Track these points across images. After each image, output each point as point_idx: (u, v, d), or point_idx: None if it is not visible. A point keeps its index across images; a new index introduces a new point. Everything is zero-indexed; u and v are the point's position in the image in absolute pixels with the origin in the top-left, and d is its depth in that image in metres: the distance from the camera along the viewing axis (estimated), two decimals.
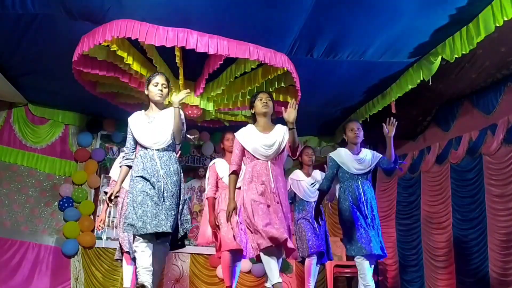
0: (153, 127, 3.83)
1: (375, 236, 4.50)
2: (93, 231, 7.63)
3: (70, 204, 7.60)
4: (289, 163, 7.68)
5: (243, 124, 6.96)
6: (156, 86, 3.87)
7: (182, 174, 3.93)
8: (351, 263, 7.03)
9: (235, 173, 4.03)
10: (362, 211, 4.53)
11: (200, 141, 8.49)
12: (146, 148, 3.82)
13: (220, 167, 5.16)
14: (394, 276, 7.45)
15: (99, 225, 5.23)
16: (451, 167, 6.41)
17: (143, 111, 4.01)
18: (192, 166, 8.40)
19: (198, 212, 8.17)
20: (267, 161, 3.95)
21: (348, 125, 4.85)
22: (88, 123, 8.04)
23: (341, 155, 4.74)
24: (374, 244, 4.39)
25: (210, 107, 6.22)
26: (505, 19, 4.04)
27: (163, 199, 3.68)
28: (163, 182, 3.72)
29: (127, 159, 3.92)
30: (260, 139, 3.94)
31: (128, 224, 3.62)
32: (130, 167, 3.89)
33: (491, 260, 5.50)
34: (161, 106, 3.97)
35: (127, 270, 5.17)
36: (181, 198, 3.87)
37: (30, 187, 7.48)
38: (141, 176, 3.70)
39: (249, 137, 3.99)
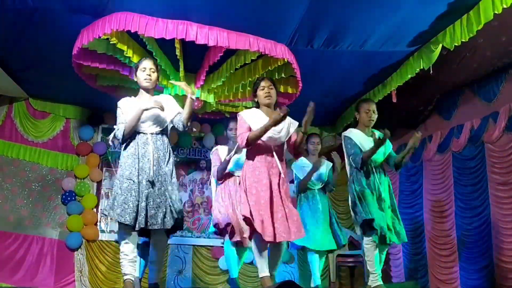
0: (147, 112, 3.64)
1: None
2: (96, 224, 7.67)
3: (73, 198, 7.62)
4: (288, 154, 7.66)
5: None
6: (144, 71, 3.71)
7: (173, 160, 3.76)
8: (354, 252, 7.09)
9: (248, 144, 3.74)
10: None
11: (201, 133, 8.49)
12: (139, 133, 3.67)
13: (223, 152, 5.06)
14: (398, 265, 7.48)
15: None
16: (453, 156, 6.42)
17: (133, 97, 3.84)
18: (193, 158, 8.40)
19: (200, 204, 8.18)
20: (271, 147, 3.83)
21: (363, 105, 4.50)
22: (89, 116, 8.04)
23: (357, 134, 4.44)
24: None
25: (210, 98, 6.21)
26: (505, 6, 4.03)
27: (153, 185, 3.54)
28: (155, 167, 3.57)
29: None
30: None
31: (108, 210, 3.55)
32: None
33: (495, 248, 5.52)
34: (151, 92, 3.80)
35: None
36: (174, 185, 3.69)
37: (32, 181, 7.50)
38: (132, 161, 3.59)
39: (257, 118, 3.83)
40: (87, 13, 4.81)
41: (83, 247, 7.55)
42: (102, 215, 7.70)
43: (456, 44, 4.74)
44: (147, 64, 3.74)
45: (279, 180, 3.80)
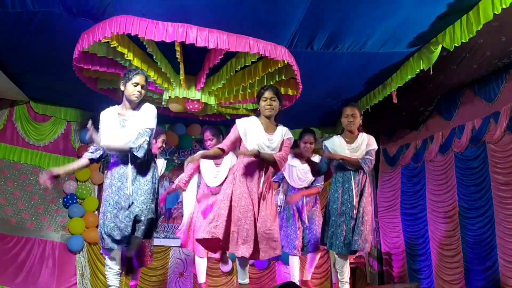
0: (123, 132, 3.80)
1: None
2: (97, 227, 7.65)
3: (74, 201, 7.63)
4: None
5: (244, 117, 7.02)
6: (135, 86, 3.79)
7: (156, 176, 3.95)
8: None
9: (222, 150, 3.90)
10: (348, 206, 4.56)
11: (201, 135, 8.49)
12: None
13: (204, 166, 5.38)
14: (400, 266, 7.47)
15: None
16: (455, 156, 6.41)
17: (116, 107, 3.96)
18: None
19: None
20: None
21: (344, 109, 4.75)
22: (90, 119, 8.01)
23: (335, 143, 4.70)
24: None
25: (211, 101, 6.21)
26: (504, 6, 4.03)
27: (131, 206, 3.80)
28: (132, 191, 3.81)
29: (92, 152, 4.04)
30: (264, 138, 3.89)
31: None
32: (91, 160, 4.03)
33: (499, 248, 5.51)
34: (134, 104, 3.90)
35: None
36: (154, 201, 3.91)
37: (34, 185, 7.50)
38: (114, 187, 3.85)
39: (252, 131, 3.92)
40: (87, 16, 4.81)
41: (85, 250, 7.58)
42: None
43: (456, 45, 4.73)
44: (140, 80, 3.81)
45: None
